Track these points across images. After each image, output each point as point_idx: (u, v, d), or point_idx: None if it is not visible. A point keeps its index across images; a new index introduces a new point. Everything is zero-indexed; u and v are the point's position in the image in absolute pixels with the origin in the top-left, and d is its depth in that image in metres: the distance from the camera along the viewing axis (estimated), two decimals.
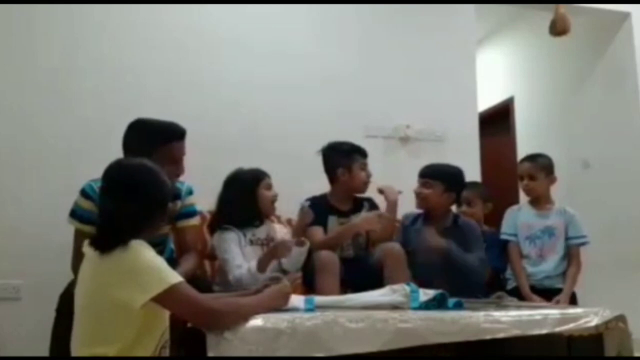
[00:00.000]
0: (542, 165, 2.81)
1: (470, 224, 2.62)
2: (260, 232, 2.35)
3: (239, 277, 2.12)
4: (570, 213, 2.78)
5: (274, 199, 2.36)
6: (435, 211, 2.58)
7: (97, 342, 1.37)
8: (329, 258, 2.23)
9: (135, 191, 1.45)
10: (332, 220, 2.48)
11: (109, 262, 1.37)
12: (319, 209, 2.45)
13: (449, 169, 2.62)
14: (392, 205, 2.51)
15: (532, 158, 2.86)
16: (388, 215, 2.40)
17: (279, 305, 1.57)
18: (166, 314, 1.45)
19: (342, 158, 2.51)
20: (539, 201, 2.82)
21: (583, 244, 2.76)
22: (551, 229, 2.75)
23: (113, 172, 1.50)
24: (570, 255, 2.74)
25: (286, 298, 1.61)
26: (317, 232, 2.40)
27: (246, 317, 1.42)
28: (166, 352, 1.46)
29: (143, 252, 1.38)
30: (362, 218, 2.42)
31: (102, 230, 1.46)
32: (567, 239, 2.74)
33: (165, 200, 1.54)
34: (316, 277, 2.19)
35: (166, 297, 1.34)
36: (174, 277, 1.37)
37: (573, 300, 2.68)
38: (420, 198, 2.58)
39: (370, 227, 2.39)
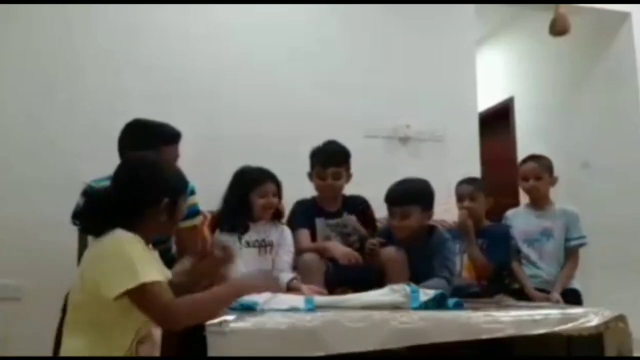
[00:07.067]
0: (546, 165, 2.80)
1: (443, 237, 2.43)
2: (257, 233, 2.33)
3: None
4: (571, 213, 2.76)
5: (266, 206, 2.31)
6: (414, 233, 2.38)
7: (72, 332, 1.37)
8: (312, 261, 2.27)
9: (130, 180, 1.47)
10: (320, 222, 2.52)
11: (93, 249, 1.38)
12: (307, 211, 2.51)
13: (419, 186, 2.40)
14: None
15: (536, 158, 2.84)
16: (361, 263, 2.27)
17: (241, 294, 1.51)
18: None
19: (312, 162, 2.55)
20: (540, 202, 2.80)
21: (581, 245, 2.74)
22: (549, 231, 2.73)
23: (119, 166, 1.53)
24: (568, 254, 2.73)
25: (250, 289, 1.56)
26: (304, 236, 2.44)
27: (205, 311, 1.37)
28: (143, 348, 1.41)
29: (124, 243, 1.34)
30: (342, 252, 2.28)
31: (91, 213, 1.44)
32: (566, 239, 2.73)
33: (158, 196, 1.46)
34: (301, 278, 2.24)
35: (135, 294, 1.29)
36: (147, 275, 1.30)
37: (576, 299, 2.64)
38: (399, 229, 2.35)
39: (344, 261, 2.26)
